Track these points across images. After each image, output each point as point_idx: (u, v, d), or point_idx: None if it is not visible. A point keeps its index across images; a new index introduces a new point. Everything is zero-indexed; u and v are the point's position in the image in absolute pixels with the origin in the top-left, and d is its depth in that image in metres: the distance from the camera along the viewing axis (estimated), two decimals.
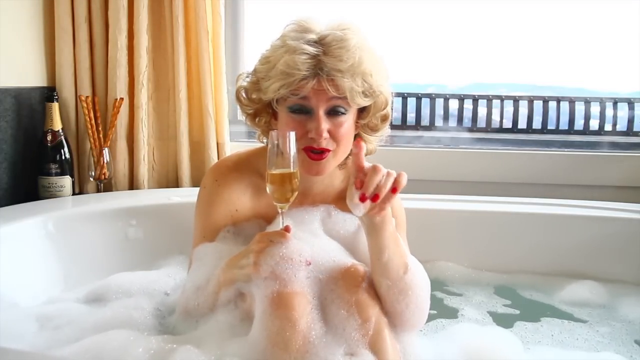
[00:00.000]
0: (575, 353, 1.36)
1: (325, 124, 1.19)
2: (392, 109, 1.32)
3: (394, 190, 1.07)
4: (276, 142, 1.10)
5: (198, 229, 1.32)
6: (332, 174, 1.34)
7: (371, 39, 1.24)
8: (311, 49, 1.17)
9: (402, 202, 1.37)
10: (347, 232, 1.27)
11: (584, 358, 1.33)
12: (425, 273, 1.27)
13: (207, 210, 1.30)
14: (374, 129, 1.30)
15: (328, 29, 1.21)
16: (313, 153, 1.21)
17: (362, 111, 1.26)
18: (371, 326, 1.10)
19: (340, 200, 1.33)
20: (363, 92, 1.19)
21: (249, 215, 1.30)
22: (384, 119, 1.29)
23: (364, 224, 1.15)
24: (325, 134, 1.19)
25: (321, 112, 1.19)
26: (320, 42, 1.18)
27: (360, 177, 1.08)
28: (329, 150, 1.21)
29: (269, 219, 1.29)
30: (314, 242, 1.20)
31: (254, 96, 1.28)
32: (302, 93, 1.17)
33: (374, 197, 1.06)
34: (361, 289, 1.12)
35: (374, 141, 1.33)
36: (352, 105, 1.21)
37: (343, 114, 1.21)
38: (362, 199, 1.06)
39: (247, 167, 1.32)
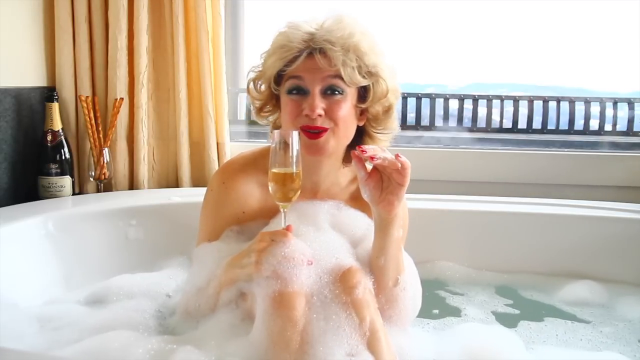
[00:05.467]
0: (580, 353, 1.36)
1: (319, 102, 1.20)
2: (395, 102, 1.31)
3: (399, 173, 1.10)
4: (278, 141, 1.10)
5: (203, 231, 1.32)
6: (338, 171, 1.34)
7: (373, 31, 1.25)
8: (307, 27, 1.21)
9: (407, 209, 1.36)
10: (358, 229, 1.27)
11: (589, 358, 1.33)
12: (420, 294, 1.29)
13: (214, 213, 1.30)
14: (376, 119, 1.29)
15: (326, 14, 1.24)
16: (310, 132, 1.21)
17: (362, 97, 1.26)
18: (367, 327, 1.10)
19: (351, 202, 1.33)
20: (358, 70, 1.20)
21: (256, 216, 1.30)
22: (387, 109, 1.29)
23: (375, 220, 1.18)
24: (320, 111, 1.19)
25: (316, 91, 1.20)
26: (317, 23, 1.23)
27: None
28: (326, 129, 1.21)
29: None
30: (317, 237, 1.20)
31: (259, 85, 1.30)
32: (295, 65, 1.20)
33: (371, 157, 1.10)
34: (356, 290, 1.12)
35: (382, 139, 1.33)
36: (349, 85, 1.21)
37: (339, 93, 1.21)
38: (359, 151, 1.10)
39: (254, 167, 1.31)
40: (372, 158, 1.10)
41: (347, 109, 1.22)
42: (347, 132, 1.26)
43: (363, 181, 1.14)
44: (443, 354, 1.22)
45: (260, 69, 1.29)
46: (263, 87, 1.30)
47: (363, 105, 1.26)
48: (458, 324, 1.48)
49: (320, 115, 1.20)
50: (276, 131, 1.11)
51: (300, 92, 1.22)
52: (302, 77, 1.21)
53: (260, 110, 1.33)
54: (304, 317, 1.08)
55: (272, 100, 1.31)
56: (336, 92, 1.21)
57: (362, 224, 1.28)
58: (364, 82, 1.22)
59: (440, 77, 2.39)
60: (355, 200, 1.33)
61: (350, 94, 1.23)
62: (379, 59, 1.23)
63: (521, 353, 1.26)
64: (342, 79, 1.20)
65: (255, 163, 1.32)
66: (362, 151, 1.10)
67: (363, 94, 1.25)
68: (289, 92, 1.23)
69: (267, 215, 1.29)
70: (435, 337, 1.34)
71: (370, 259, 1.20)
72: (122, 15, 1.97)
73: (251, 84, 1.32)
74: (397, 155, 1.11)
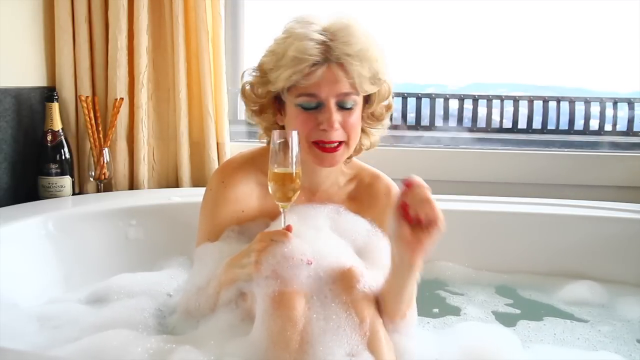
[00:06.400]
0: (578, 352, 1.36)
1: (336, 116, 1.19)
2: (393, 98, 1.33)
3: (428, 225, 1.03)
4: (278, 141, 1.10)
5: (203, 231, 1.32)
6: (339, 170, 1.34)
7: (373, 31, 1.25)
8: (319, 36, 1.19)
9: None
10: (358, 234, 1.27)
11: (586, 357, 1.33)
12: (415, 306, 1.27)
13: (213, 213, 1.30)
14: (379, 119, 1.31)
15: (330, 19, 1.23)
16: (326, 146, 1.21)
17: (366, 101, 1.27)
18: (367, 326, 1.10)
19: (348, 202, 1.33)
20: (370, 79, 1.21)
21: (255, 215, 1.30)
22: (388, 108, 1.31)
23: (393, 259, 1.12)
24: (337, 125, 1.19)
25: (332, 104, 1.19)
26: (326, 30, 1.20)
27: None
28: (341, 142, 1.22)
29: (275, 217, 1.28)
30: (318, 238, 1.20)
31: (260, 91, 1.28)
32: (312, 79, 1.18)
33: (415, 219, 1.03)
34: (356, 290, 1.12)
35: (376, 134, 1.33)
36: (360, 94, 1.22)
37: (353, 106, 1.22)
38: (404, 210, 1.04)
39: (252, 166, 1.31)
40: (410, 220, 1.04)
41: (357, 118, 1.24)
42: (357, 139, 1.27)
43: (397, 209, 1.06)
44: (443, 353, 1.22)
45: (258, 73, 1.27)
46: (262, 91, 1.27)
47: (370, 110, 1.28)
48: (458, 323, 1.48)
49: (336, 129, 1.20)
50: (275, 131, 1.11)
51: (315, 105, 1.20)
52: (318, 90, 1.19)
53: (258, 113, 1.31)
54: (304, 317, 1.08)
55: (271, 104, 1.29)
56: (350, 105, 1.21)
57: (362, 229, 1.28)
58: (373, 90, 1.23)
59: (440, 77, 2.39)
60: (353, 201, 1.34)
61: (359, 102, 1.24)
62: (384, 62, 1.24)
63: (519, 352, 1.26)
64: (354, 90, 1.20)
65: (255, 162, 1.32)
66: (405, 205, 1.04)
67: (367, 97, 1.26)
68: (304, 106, 1.21)
69: (266, 215, 1.29)
70: (435, 336, 1.34)
71: (381, 293, 1.16)
72: (122, 15, 1.97)
73: (248, 88, 1.30)
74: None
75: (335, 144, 1.21)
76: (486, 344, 1.27)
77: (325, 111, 1.19)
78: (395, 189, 1.37)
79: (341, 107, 1.21)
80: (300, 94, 1.20)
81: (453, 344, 1.26)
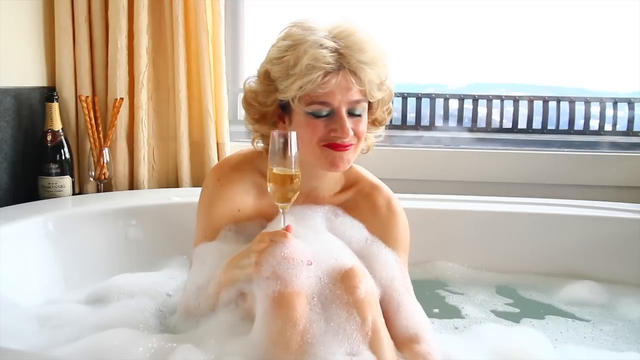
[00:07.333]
0: (580, 351, 1.36)
1: (349, 123, 1.19)
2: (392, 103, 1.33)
3: None
4: (278, 142, 1.09)
5: (200, 229, 1.32)
6: (337, 176, 1.34)
7: (375, 32, 1.24)
8: (332, 44, 1.16)
9: (408, 228, 1.34)
10: (355, 238, 1.27)
11: (589, 358, 1.33)
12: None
13: (209, 210, 1.30)
14: (381, 123, 1.31)
15: (333, 25, 1.21)
16: (338, 146, 1.20)
17: (369, 107, 1.26)
18: (369, 326, 1.10)
19: (343, 204, 1.33)
20: (378, 85, 1.21)
21: (251, 215, 1.30)
22: (389, 112, 1.31)
23: None
24: (351, 132, 1.19)
25: (343, 111, 1.18)
26: (336, 37, 1.18)
27: None
28: (351, 144, 1.21)
29: (271, 218, 1.28)
30: (316, 239, 1.20)
31: (265, 99, 1.25)
32: (326, 88, 1.16)
33: None
34: (358, 290, 1.12)
35: (373, 137, 1.33)
36: (369, 101, 1.22)
37: (362, 112, 1.21)
38: None
39: (249, 166, 1.31)
40: None
41: (365, 124, 1.23)
42: (363, 143, 1.27)
43: None
44: (445, 353, 1.22)
45: (263, 81, 1.24)
46: (268, 100, 1.24)
47: (373, 116, 1.28)
48: (459, 324, 1.48)
49: (350, 136, 1.20)
50: (275, 132, 1.10)
51: (326, 113, 1.19)
52: (332, 98, 1.17)
53: (261, 121, 1.28)
54: (304, 318, 1.08)
55: (275, 112, 1.27)
56: (359, 112, 1.21)
57: (361, 236, 1.28)
58: (380, 96, 1.23)
59: (440, 77, 2.39)
60: (351, 209, 1.32)
61: (366, 108, 1.24)
62: (389, 68, 1.23)
63: (551, 352, 1.26)
64: (363, 97, 1.20)
65: (251, 162, 1.32)
66: None
67: (370, 103, 1.26)
68: (315, 114, 1.19)
69: (262, 215, 1.30)
70: (435, 336, 1.34)
71: None
72: (122, 15, 1.97)
73: (251, 96, 1.27)
74: None
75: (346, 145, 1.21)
76: (513, 344, 1.27)
77: (337, 119, 1.18)
78: (396, 200, 1.36)
79: (351, 114, 1.20)
80: (312, 102, 1.18)
81: (455, 344, 1.26)
